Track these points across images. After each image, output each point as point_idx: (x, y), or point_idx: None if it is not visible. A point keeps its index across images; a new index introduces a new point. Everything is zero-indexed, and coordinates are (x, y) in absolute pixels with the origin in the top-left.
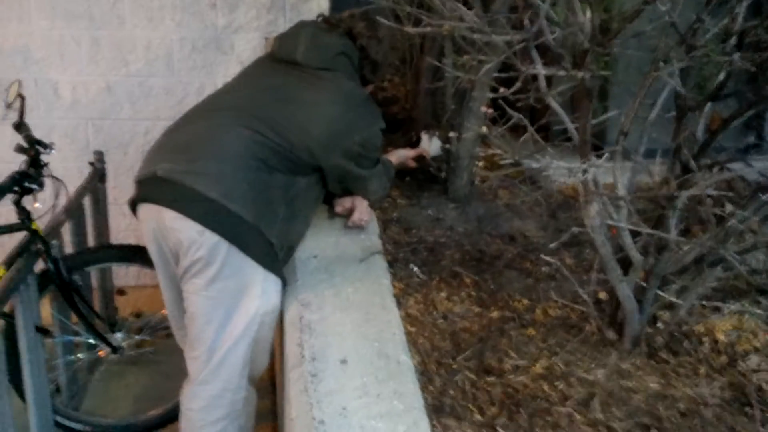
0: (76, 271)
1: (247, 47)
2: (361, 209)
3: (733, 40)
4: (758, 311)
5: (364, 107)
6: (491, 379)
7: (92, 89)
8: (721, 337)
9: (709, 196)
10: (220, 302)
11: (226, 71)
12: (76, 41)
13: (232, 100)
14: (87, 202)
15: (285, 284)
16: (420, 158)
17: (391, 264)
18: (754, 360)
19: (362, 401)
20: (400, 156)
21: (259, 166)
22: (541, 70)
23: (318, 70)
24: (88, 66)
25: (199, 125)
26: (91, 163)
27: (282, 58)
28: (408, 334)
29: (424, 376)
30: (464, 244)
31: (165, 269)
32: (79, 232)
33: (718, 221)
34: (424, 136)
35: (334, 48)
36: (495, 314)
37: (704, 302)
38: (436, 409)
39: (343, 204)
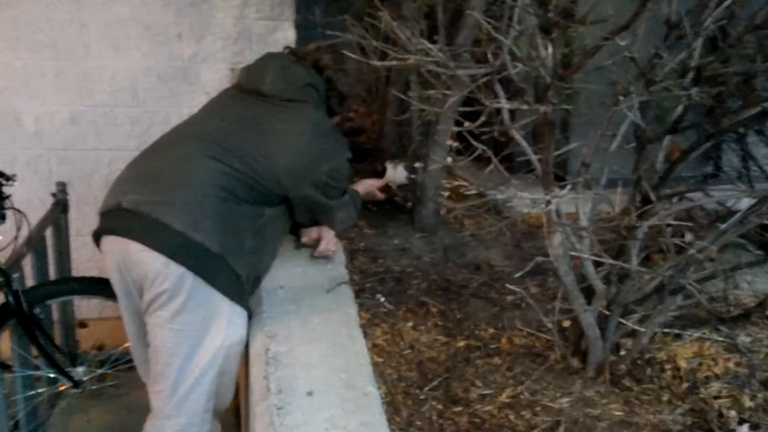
0: (37, 305)
1: (213, 78)
2: (328, 239)
3: (690, 75)
4: (718, 338)
5: (332, 137)
6: (458, 408)
7: (56, 119)
8: (682, 364)
9: (668, 225)
10: (185, 335)
11: (192, 102)
12: (41, 71)
13: (199, 130)
14: (49, 233)
15: (251, 316)
16: (386, 188)
17: (358, 294)
18: (715, 386)
19: None
20: (367, 186)
21: (227, 197)
22: (504, 104)
23: (285, 101)
24: (53, 96)
25: (165, 156)
26: (53, 194)
27: (249, 89)
28: (375, 364)
29: (391, 407)
30: (431, 273)
31: (128, 302)
32: (41, 265)
33: (677, 250)
34: (389, 166)
35: (302, 79)
36: (461, 343)
37: (666, 330)
38: None
39: (309, 234)
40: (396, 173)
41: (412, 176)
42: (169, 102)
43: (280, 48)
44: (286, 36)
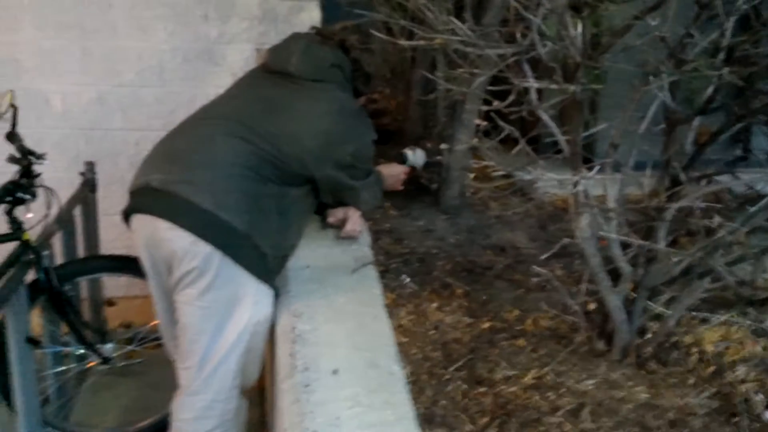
0: (66, 282)
1: (238, 58)
2: (354, 220)
3: (721, 55)
4: (746, 322)
5: (357, 118)
6: (482, 389)
7: (83, 99)
8: (709, 347)
9: (697, 208)
10: (212, 312)
11: (217, 82)
12: (68, 51)
13: (224, 110)
14: (78, 212)
15: (277, 294)
16: (410, 170)
17: (383, 274)
18: (741, 370)
19: (354, 411)
20: (391, 170)
21: (252, 176)
22: (532, 84)
23: (311, 81)
24: (80, 76)
25: (191, 135)
26: (82, 173)
27: (275, 70)
28: (399, 344)
29: (416, 386)
30: (455, 255)
31: (157, 280)
32: (70, 243)
33: (706, 233)
34: (408, 152)
35: (327, 60)
36: (486, 325)
37: (693, 313)
38: (427, 419)
39: (335, 215)
40: (415, 158)
41: (438, 157)
42: (194, 83)
43: (306, 28)
44: (311, 16)
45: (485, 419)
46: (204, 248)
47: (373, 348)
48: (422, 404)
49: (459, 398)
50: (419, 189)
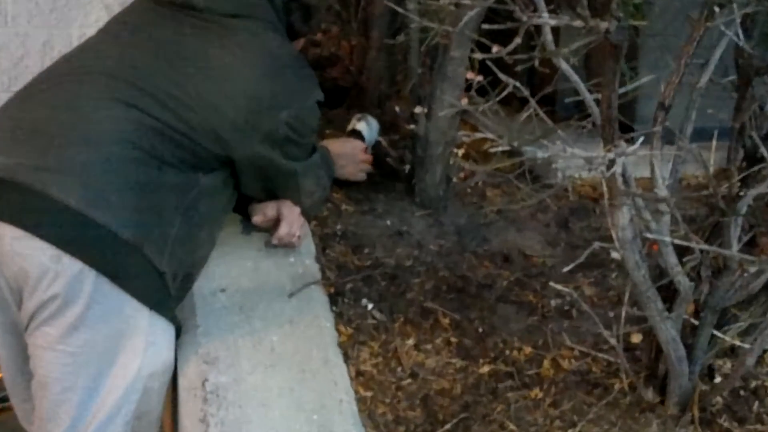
0: None
1: None
2: (291, 219)
3: None
4: None
5: (294, 71)
6: None
7: None
8: None
9: None
10: (84, 361)
11: (85, 20)
12: None
13: (99, 62)
14: None
15: (180, 331)
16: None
17: (335, 299)
18: None
19: None
20: (346, 152)
21: (143, 159)
22: (546, 20)
23: (226, 17)
24: None
25: (50, 100)
26: None
27: (172, 1)
28: (361, 400)
29: None
30: (439, 268)
31: (1, 314)
32: None
33: None
34: (360, 124)
35: None
36: (485, 369)
37: None
38: None
39: (264, 212)
40: (370, 131)
41: (412, 127)
42: (51, 20)
43: None
44: None
45: None
46: (70, 266)
47: (323, 408)
48: None
49: None
50: (385, 173)
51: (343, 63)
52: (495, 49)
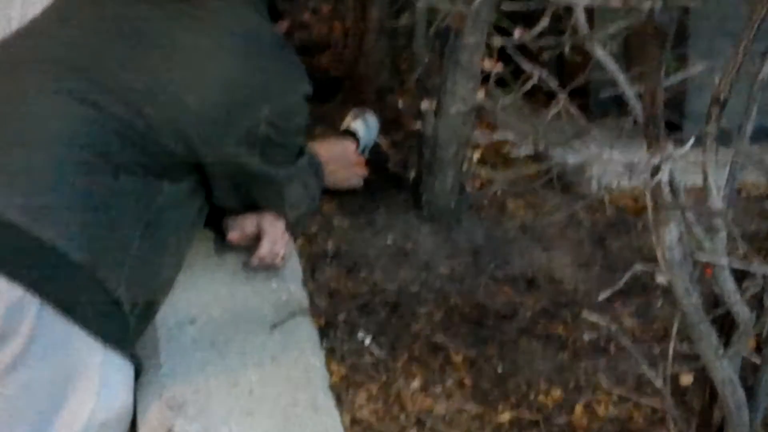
0: None
1: None
2: (273, 236)
3: None
4: None
5: (276, 58)
6: None
7: None
8: None
9: None
10: (24, 406)
11: None
12: None
13: (43, 47)
14: None
15: (140, 370)
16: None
17: (326, 332)
18: None
19: None
20: (338, 154)
21: (96, 164)
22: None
23: None
24: None
25: None
26: None
27: None
28: None
29: None
30: (450, 294)
31: None
32: None
33: None
34: (352, 119)
35: None
36: (505, 416)
37: None
38: None
39: (241, 228)
40: (366, 129)
41: (418, 125)
42: None
43: None
44: None
45: None
46: (8, 292)
47: None
48: None
49: None
50: (386, 180)
51: (336, 48)
52: (517, 33)
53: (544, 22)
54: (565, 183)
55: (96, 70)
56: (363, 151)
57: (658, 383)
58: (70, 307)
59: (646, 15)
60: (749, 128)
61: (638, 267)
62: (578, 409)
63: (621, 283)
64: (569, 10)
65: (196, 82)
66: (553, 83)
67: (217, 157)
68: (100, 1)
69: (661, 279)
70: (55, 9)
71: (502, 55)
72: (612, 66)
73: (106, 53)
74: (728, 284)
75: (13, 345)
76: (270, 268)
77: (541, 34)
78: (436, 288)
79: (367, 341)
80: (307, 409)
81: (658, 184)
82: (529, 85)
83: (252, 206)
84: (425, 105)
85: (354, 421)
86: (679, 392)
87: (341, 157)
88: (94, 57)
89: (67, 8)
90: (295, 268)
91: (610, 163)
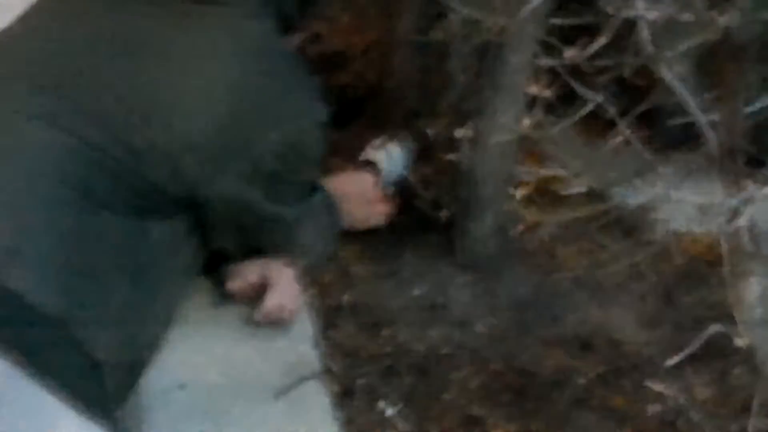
0: None
1: None
2: (281, 287)
3: None
4: None
5: (285, 78)
6: None
7: None
8: None
9: None
10: None
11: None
12: None
13: (15, 64)
14: None
15: None
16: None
17: (341, 401)
18: None
19: None
20: (356, 191)
21: (74, 200)
22: (643, 12)
23: (191, 3)
24: None
25: None
26: None
27: None
28: None
29: None
30: (490, 357)
31: None
32: None
33: None
34: (374, 151)
35: None
36: None
37: None
38: None
39: (244, 276)
40: (390, 160)
41: (452, 157)
42: None
43: None
44: None
45: None
46: None
47: None
48: None
49: None
50: (414, 221)
51: (357, 65)
52: (569, 52)
53: (602, 39)
54: (627, 227)
55: (75, 91)
56: (387, 186)
57: None
58: (39, 369)
59: (722, 31)
60: None
61: (713, 327)
62: None
63: (693, 347)
64: (633, 24)
65: (191, 107)
66: (612, 110)
67: (214, 193)
68: (83, 12)
69: (740, 341)
70: (30, 20)
71: (553, 78)
72: (682, 90)
73: (87, 71)
74: None
75: None
76: (277, 324)
77: (597, 53)
78: (473, 349)
79: (390, 412)
80: None
81: (737, 229)
82: (584, 112)
83: (256, 251)
84: (461, 133)
85: None
86: None
87: (360, 192)
88: (74, 75)
89: (45, 19)
90: (305, 324)
91: (680, 205)
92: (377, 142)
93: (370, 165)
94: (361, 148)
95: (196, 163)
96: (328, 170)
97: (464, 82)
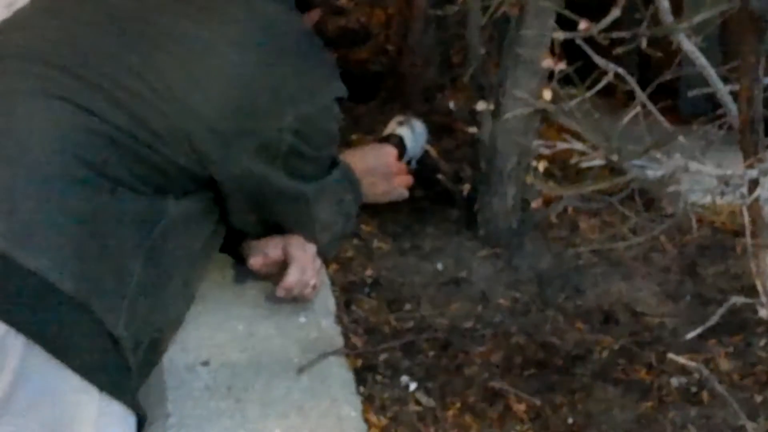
0: None
1: None
2: (302, 263)
3: None
4: None
5: (304, 55)
6: None
7: None
8: None
9: None
10: None
11: None
12: None
13: (30, 43)
14: None
15: (143, 421)
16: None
17: (363, 376)
18: None
19: None
20: (377, 166)
21: (91, 179)
22: None
23: None
24: None
25: None
26: None
27: None
28: None
29: None
30: (512, 331)
31: None
32: None
33: None
34: (397, 125)
35: None
36: None
37: None
38: None
39: (264, 253)
40: (413, 136)
41: (472, 130)
42: None
43: None
44: None
45: None
46: None
47: None
48: None
49: None
50: (435, 196)
51: (377, 40)
52: (582, 24)
53: (617, 10)
54: (648, 199)
55: (91, 70)
56: (409, 163)
57: None
58: (60, 348)
59: (741, 1)
60: None
61: (736, 299)
62: None
63: (715, 319)
64: None
65: (207, 84)
66: (632, 82)
67: (232, 171)
68: None
69: (763, 313)
70: None
71: (571, 51)
72: (702, 61)
73: (102, 51)
74: None
75: None
76: (298, 300)
77: (614, 24)
78: (495, 323)
79: (412, 387)
80: None
81: (757, 200)
82: (601, 84)
83: (276, 228)
84: (481, 106)
85: None
86: None
87: (381, 166)
88: (89, 55)
89: None
90: (327, 300)
91: (700, 176)
92: (400, 117)
93: (393, 138)
94: (382, 123)
95: (213, 141)
96: (349, 144)
97: (483, 55)
